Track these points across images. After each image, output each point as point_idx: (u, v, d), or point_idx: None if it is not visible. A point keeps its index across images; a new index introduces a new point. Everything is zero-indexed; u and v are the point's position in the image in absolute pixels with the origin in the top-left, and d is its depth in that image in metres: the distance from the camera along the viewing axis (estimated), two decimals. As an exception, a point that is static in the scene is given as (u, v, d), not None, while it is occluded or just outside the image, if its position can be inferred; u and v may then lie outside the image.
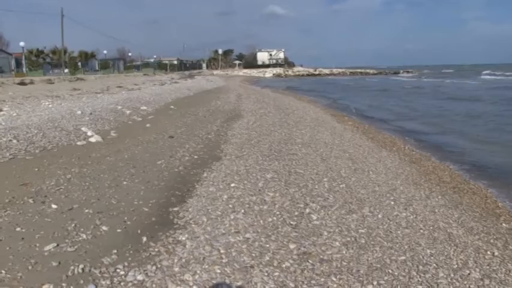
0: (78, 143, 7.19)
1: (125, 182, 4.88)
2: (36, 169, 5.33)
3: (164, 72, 55.33)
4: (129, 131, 8.65)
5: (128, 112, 11.39)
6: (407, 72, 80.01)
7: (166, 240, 3.40)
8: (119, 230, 3.54)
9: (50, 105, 11.76)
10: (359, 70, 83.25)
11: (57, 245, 3.17)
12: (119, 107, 12.14)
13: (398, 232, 3.83)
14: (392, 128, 11.85)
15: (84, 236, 3.37)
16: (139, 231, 3.52)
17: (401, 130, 11.40)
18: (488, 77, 49.83)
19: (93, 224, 3.62)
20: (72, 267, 2.88)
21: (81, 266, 2.90)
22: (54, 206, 3.99)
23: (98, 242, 3.30)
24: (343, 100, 21.69)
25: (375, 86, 35.91)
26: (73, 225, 3.57)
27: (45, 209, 3.93)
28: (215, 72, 72.31)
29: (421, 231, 3.90)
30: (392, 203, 4.64)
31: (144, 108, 12.67)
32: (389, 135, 10.18)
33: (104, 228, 3.55)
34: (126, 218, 3.80)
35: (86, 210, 3.92)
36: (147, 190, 4.62)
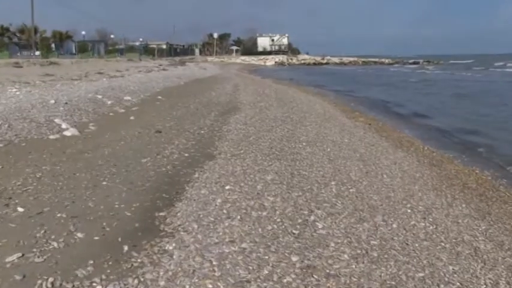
0: (51, 137, 7.13)
1: (104, 183, 4.84)
2: (0, 166, 5.27)
3: (151, 58, 55.24)
4: (110, 124, 8.60)
5: (109, 102, 11.34)
6: (428, 62, 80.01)
7: (151, 249, 3.37)
8: (96, 238, 3.50)
9: (18, 93, 11.69)
10: (373, 59, 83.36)
11: (23, 255, 3.13)
12: (99, 97, 12.08)
13: (416, 245, 3.80)
14: (410, 125, 11.86)
15: (56, 245, 3.32)
16: (120, 239, 3.49)
17: (420, 128, 11.40)
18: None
19: (67, 230, 3.58)
20: (39, 281, 2.83)
21: (50, 279, 2.85)
22: (20, 210, 3.95)
23: (71, 251, 3.26)
24: (355, 93, 21.69)
25: (390, 78, 35.95)
26: (42, 231, 3.53)
27: (10, 212, 3.88)
28: (209, 59, 72.31)
29: (442, 244, 3.87)
30: (409, 211, 4.61)
31: (128, 98, 12.62)
32: (406, 133, 10.16)
33: (79, 235, 3.52)
34: (105, 223, 3.76)
35: (59, 215, 3.88)
36: (130, 192, 4.59)
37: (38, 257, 3.13)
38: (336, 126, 9.79)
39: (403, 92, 22.75)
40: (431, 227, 4.21)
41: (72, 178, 4.95)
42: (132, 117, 9.43)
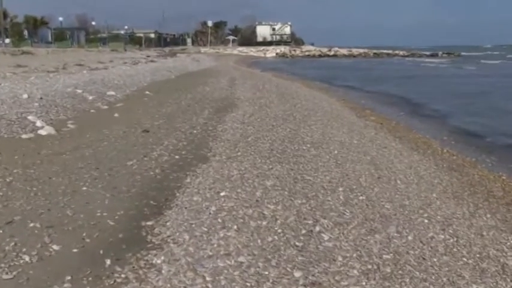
0: (24, 136, 7.10)
1: (84, 188, 4.83)
2: (-30, 168, 5.25)
3: (138, 48, 55.32)
4: (92, 122, 8.59)
5: (90, 98, 11.32)
6: (448, 54, 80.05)
7: (136, 263, 3.35)
8: (74, 250, 3.48)
9: (-13, 86, 11.66)
10: (385, 51, 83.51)
11: (-11, 271, 3.10)
12: (79, 91, 12.06)
13: (435, 260, 3.79)
14: (427, 125, 11.88)
15: (27, 258, 3.30)
16: (101, 252, 3.47)
17: (439, 128, 11.42)
18: None
19: (41, 242, 3.56)
20: (9, 300, 2.81)
21: (22, 297, 2.83)
22: (-11, 217, 3.92)
23: (45, 265, 3.24)
24: (365, 89, 21.73)
25: (407, 72, 36.02)
26: (12, 243, 3.50)
27: (-23, 221, 3.86)
28: (203, 49, 72.40)
29: (465, 259, 3.86)
30: (427, 221, 4.60)
31: (112, 93, 12.61)
32: (422, 134, 10.18)
33: (55, 247, 3.49)
34: (85, 234, 3.74)
35: (32, 224, 3.86)
36: (114, 198, 4.57)
37: (7, 273, 3.10)
38: (344, 126, 9.79)
39: (420, 87, 22.79)
40: (451, 240, 4.20)
41: (47, 183, 4.92)
42: (116, 115, 9.41)
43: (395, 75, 31.98)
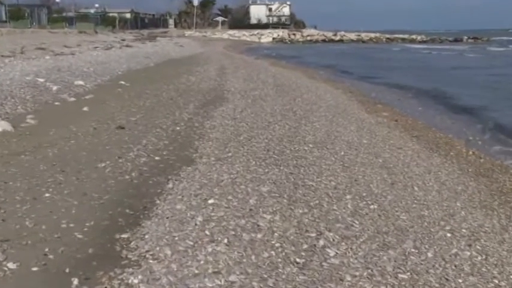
0: (-22, 133, 7.04)
1: (47, 194, 4.80)
2: None
3: (111, 31, 55.07)
4: (56, 117, 8.54)
5: (54, 88, 11.26)
6: (475, 39, 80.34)
7: (109, 283, 3.33)
8: (34, 269, 3.45)
9: None
10: (400, 36, 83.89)
11: None
12: (41, 80, 11.99)
13: (460, 281, 3.80)
14: (449, 122, 11.93)
15: (-21, 278, 3.27)
16: (67, 270, 3.44)
17: (464, 126, 11.46)
18: None
19: (-5, 258, 3.53)
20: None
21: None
22: None
23: None
24: (377, 79, 21.82)
25: (425, 60, 36.21)
26: (-39, 259, 3.47)
27: None
28: (188, 33, 72.25)
29: (496, 281, 3.88)
30: (449, 235, 4.62)
31: (80, 83, 12.56)
32: (444, 133, 10.22)
33: (11, 265, 3.46)
34: (47, 249, 3.71)
35: (-15, 236, 3.83)
36: (82, 207, 4.55)
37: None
38: (352, 123, 9.82)
39: (441, 78, 22.87)
40: (479, 258, 4.22)
41: (2, 188, 4.88)
42: (85, 108, 9.37)
43: (411, 64, 32.14)
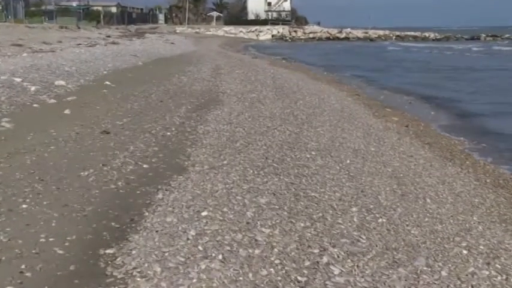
0: (-50, 138, 7.04)
1: (24, 206, 4.79)
2: None
3: (95, 26, 55.09)
4: (35, 121, 8.53)
5: (32, 89, 11.24)
6: (494, 37, 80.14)
7: (92, 303, 3.33)
8: None
9: None
10: (411, 33, 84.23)
11: None
12: (17, 80, 11.98)
13: (476, 301, 3.81)
14: (466, 129, 11.94)
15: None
16: (47, 288, 3.44)
17: (480, 133, 11.48)
18: None
19: (-32, 275, 3.53)
20: None
21: None
22: None
23: (-23, 304, 3.21)
24: (386, 81, 21.87)
25: (440, 60, 36.31)
26: None
27: None
28: (179, 29, 72.43)
29: (516, 302, 3.90)
30: (465, 252, 4.63)
31: (61, 83, 12.54)
32: (458, 140, 10.25)
33: (-14, 282, 3.46)
34: (24, 266, 3.71)
35: (-44, 252, 3.83)
36: (63, 219, 4.54)
37: None
38: (359, 129, 9.85)
39: (455, 81, 22.93)
40: (499, 277, 4.22)
41: (-22, 198, 4.87)
42: (67, 111, 9.36)
43: (424, 65, 32.24)
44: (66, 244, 4.08)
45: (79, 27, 45.79)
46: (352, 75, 24.37)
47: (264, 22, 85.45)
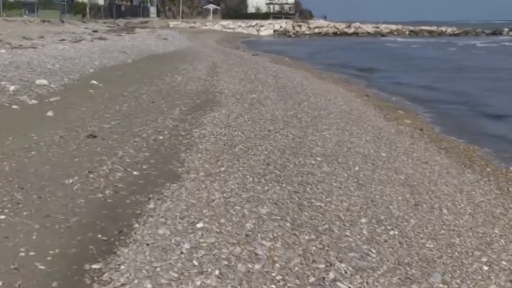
0: None
1: (2, 216, 4.80)
2: None
3: (81, 20, 55.08)
4: (14, 123, 8.53)
5: (11, 88, 11.25)
6: None
7: (77, 322, 3.34)
8: (-10, 303, 3.45)
9: None
10: (426, 28, 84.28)
11: None
12: (-4, 79, 11.99)
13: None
14: (486, 133, 11.91)
15: None
16: (28, 306, 3.44)
17: (502, 138, 11.45)
18: None
19: None
20: None
21: None
22: None
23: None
24: (399, 80, 21.87)
25: (457, 58, 36.31)
26: None
27: None
28: (172, 23, 72.48)
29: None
30: (486, 268, 4.63)
31: (44, 82, 12.55)
32: (478, 146, 10.24)
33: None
34: (1, 282, 3.72)
35: None
36: (45, 231, 4.55)
37: None
38: (368, 132, 9.85)
39: (475, 81, 22.90)
40: (522, 295, 4.23)
41: (-47, 208, 4.88)
42: (49, 113, 9.37)
43: (438, 62, 32.24)
44: (48, 258, 4.09)
45: (63, 21, 45.77)
46: (360, 73, 24.37)
47: (266, 16, 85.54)
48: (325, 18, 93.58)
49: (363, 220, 5.36)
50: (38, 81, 12.55)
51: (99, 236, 4.55)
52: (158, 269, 4.04)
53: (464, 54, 41.67)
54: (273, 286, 3.94)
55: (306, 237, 4.81)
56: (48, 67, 15.33)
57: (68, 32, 34.12)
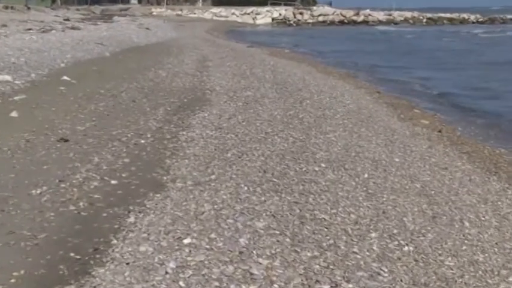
0: None
1: (-37, 231, 4.79)
2: None
3: (50, 7, 55.12)
4: (-24, 126, 8.52)
5: (-28, 86, 11.24)
6: None
7: None
8: None
9: None
10: (447, 15, 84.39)
11: None
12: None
13: None
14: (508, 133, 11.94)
15: None
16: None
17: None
18: None
19: None
20: None
21: None
22: None
23: None
24: (414, 74, 21.89)
25: (481, 50, 36.39)
26: None
27: None
28: (156, 10, 72.64)
29: None
30: (513, 288, 4.66)
31: (7, 78, 12.53)
32: (506, 149, 10.26)
33: None
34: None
35: None
36: (9, 250, 4.55)
37: None
38: (380, 135, 9.87)
39: (501, 76, 22.94)
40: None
41: None
42: (14, 114, 9.36)
43: (462, 55, 32.30)
44: (12, 281, 4.08)
45: (29, 8, 45.81)
46: (371, 68, 24.39)
47: (263, 2, 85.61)
48: (330, 4, 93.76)
49: (373, 234, 5.37)
50: (0, 77, 12.52)
51: (72, 254, 4.54)
52: (139, 292, 4.04)
53: (493, 46, 41.76)
54: (271, 310, 3.96)
55: (308, 254, 4.81)
56: (12, 61, 15.30)
57: (35, 20, 34.10)
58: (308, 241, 5.08)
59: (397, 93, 16.62)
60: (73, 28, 30.72)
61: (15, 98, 10.82)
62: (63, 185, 6.08)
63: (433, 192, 6.89)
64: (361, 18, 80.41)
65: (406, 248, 5.14)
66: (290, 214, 5.69)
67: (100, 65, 17.03)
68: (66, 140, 7.88)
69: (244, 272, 4.42)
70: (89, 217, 5.31)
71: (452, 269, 4.84)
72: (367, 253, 4.96)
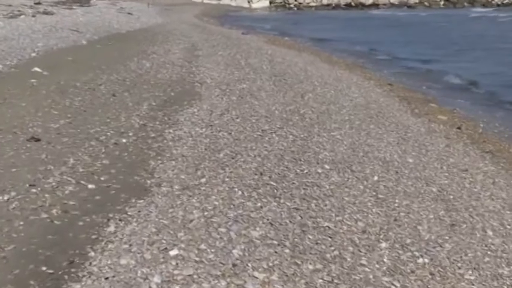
0: None
1: None
2: None
3: (20, -10, 54.94)
4: None
5: None
6: None
7: None
8: None
9: None
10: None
11: None
12: None
13: None
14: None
15: None
16: None
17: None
18: None
19: None
20: None
21: None
22: None
23: None
24: (432, 65, 21.89)
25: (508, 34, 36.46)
26: None
27: None
28: (139, -7, 72.44)
29: None
30: (540, 304, 4.67)
31: (-29, 70, 12.53)
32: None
33: None
34: None
35: None
36: (-26, 262, 4.55)
37: None
38: (391, 132, 9.89)
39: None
40: None
41: None
42: (-21, 110, 9.37)
43: (482, 40, 32.31)
44: (-21, 298, 4.10)
45: (-3, -9, 45.78)
46: (381, 56, 24.40)
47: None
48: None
49: (384, 245, 5.39)
50: (-37, 69, 12.55)
51: (44, 268, 4.55)
52: (120, 310, 4.06)
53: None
54: (268, 330, 3.97)
55: (310, 267, 4.83)
56: (-22, 50, 15.32)
57: (1, 4, 34.01)
58: (310, 252, 5.10)
59: (411, 85, 16.61)
60: (45, 13, 30.65)
61: (-20, 92, 10.83)
62: (33, 190, 6.08)
63: (451, 196, 6.91)
64: (370, 0, 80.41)
65: (420, 260, 5.15)
66: (290, 222, 5.70)
67: (76, 54, 17.01)
68: (38, 140, 7.88)
69: (238, 287, 4.43)
70: (63, 226, 5.32)
71: (473, 284, 4.86)
72: (377, 266, 4.97)
